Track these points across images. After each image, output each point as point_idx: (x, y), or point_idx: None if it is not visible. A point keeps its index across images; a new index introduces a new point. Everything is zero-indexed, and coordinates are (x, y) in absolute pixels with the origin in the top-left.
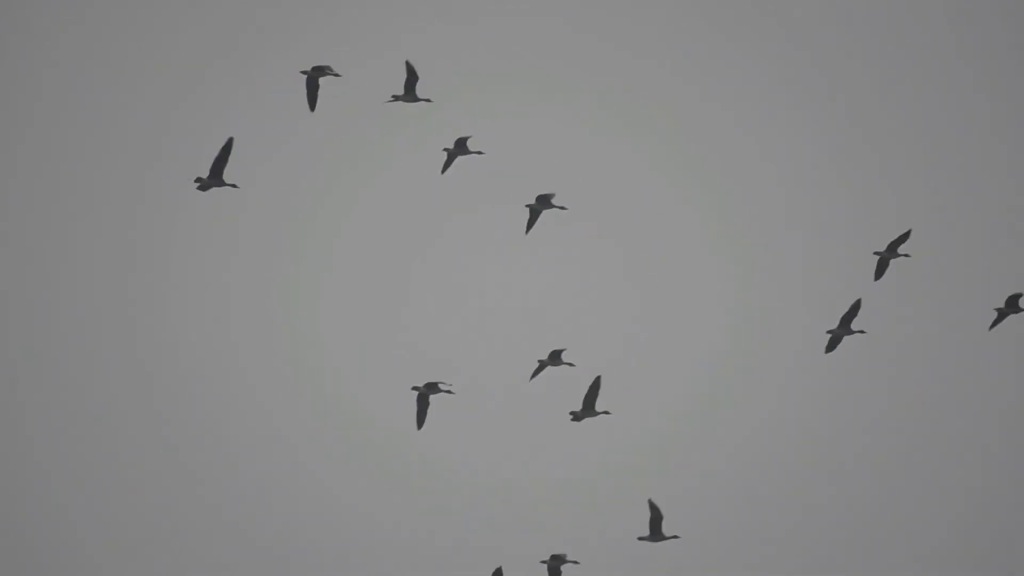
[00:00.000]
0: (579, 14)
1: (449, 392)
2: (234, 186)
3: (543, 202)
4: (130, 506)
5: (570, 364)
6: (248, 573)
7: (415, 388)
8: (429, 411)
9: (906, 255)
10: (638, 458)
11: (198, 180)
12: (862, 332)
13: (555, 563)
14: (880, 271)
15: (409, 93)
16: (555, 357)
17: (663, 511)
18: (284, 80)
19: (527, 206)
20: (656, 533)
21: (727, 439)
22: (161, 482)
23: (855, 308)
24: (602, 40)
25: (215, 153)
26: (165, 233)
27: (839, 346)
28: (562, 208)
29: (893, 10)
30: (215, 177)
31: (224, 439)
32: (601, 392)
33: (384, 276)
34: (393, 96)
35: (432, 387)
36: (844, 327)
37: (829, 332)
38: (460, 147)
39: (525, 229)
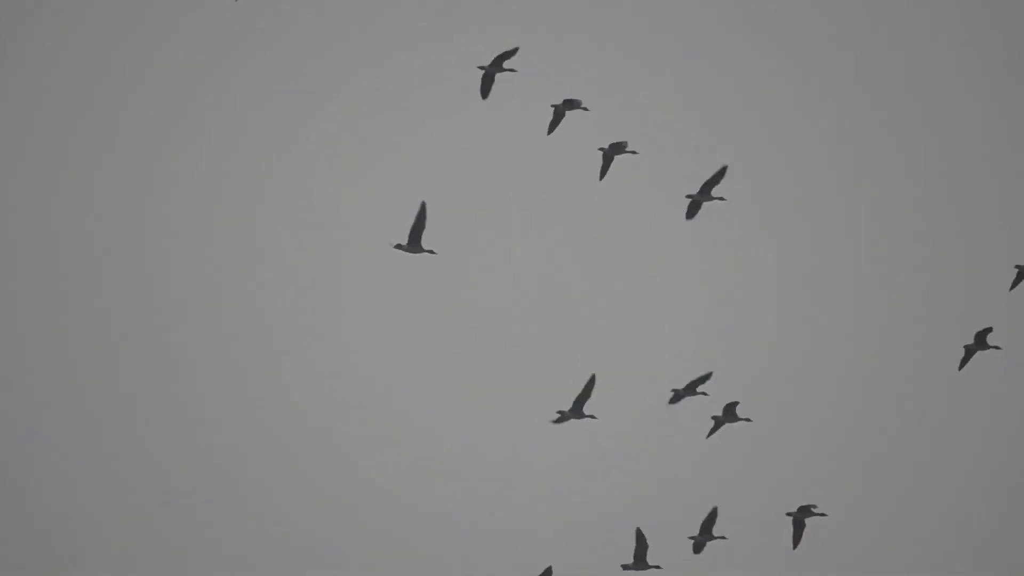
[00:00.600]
0: (574, 16)
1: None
2: (432, 252)
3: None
4: (159, 504)
5: (704, 394)
6: (281, 567)
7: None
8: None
9: None
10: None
11: (398, 246)
12: (997, 348)
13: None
14: (1016, 283)
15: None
16: (691, 387)
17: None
18: (285, 80)
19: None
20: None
21: (704, 440)
22: (190, 477)
23: (988, 328)
24: (592, 41)
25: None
26: (169, 232)
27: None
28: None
29: (893, 11)
30: (414, 243)
31: (253, 429)
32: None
33: (387, 275)
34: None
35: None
36: (980, 342)
37: (966, 346)
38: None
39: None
